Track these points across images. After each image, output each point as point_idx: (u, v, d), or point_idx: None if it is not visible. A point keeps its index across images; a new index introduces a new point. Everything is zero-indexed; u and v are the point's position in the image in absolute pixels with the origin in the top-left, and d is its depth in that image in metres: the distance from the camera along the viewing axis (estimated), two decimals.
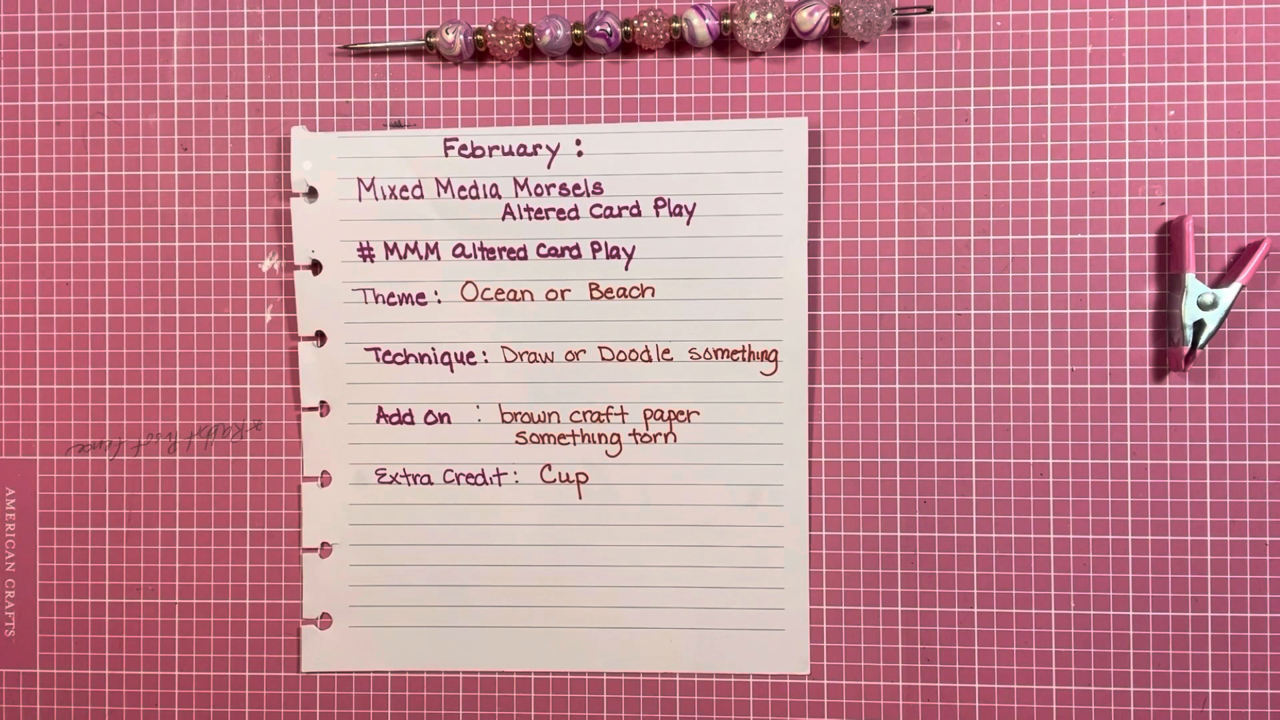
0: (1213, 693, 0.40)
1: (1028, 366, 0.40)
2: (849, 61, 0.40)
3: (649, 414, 0.41)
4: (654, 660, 0.41)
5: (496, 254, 0.41)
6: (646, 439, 0.41)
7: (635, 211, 0.40)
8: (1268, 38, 0.39)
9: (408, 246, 0.41)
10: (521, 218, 0.41)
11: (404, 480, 0.41)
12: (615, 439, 0.41)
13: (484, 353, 0.41)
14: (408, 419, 0.41)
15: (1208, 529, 0.40)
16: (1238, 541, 0.40)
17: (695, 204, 0.40)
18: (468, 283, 0.41)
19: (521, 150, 0.40)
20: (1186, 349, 0.38)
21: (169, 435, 0.42)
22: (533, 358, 0.41)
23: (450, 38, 0.40)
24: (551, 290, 0.41)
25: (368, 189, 0.41)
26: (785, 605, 0.40)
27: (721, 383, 0.40)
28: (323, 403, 0.41)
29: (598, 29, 0.39)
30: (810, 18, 0.39)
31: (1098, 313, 0.40)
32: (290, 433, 0.41)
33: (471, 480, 0.41)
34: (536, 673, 0.41)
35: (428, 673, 0.41)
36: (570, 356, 0.41)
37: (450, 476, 0.41)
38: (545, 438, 0.41)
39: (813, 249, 0.40)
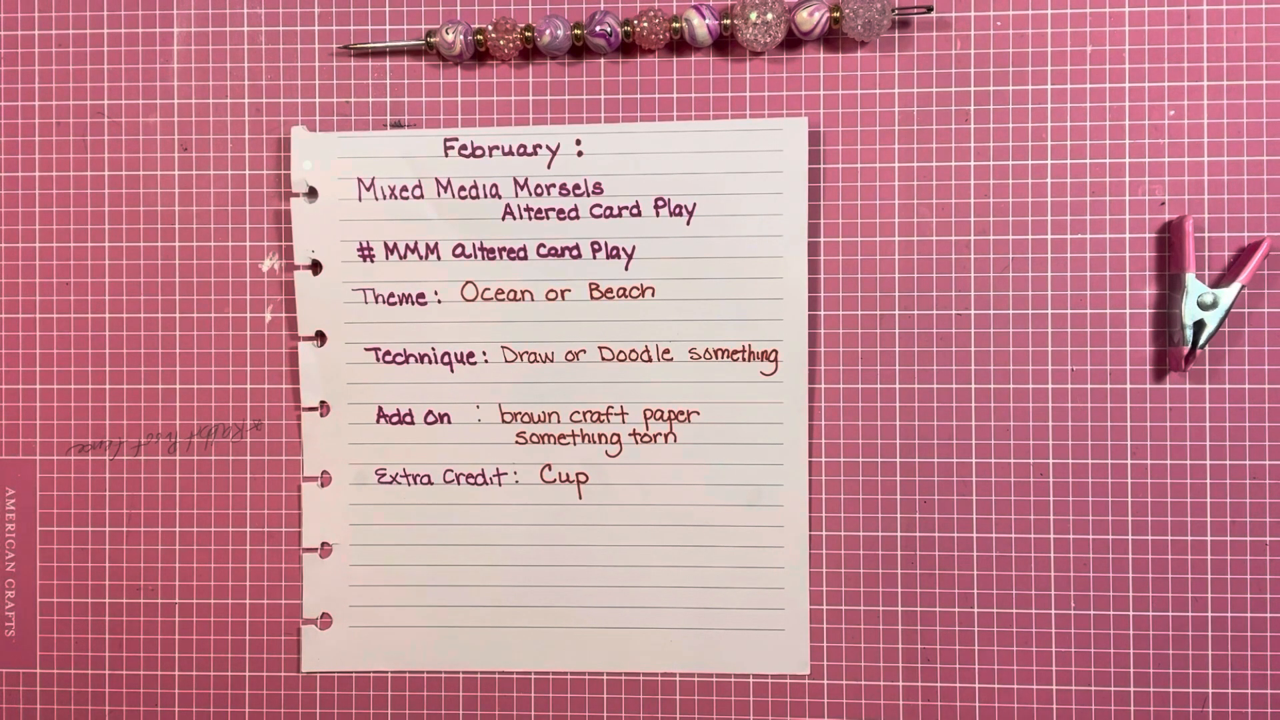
0: (1213, 693, 0.40)
1: (1028, 366, 0.40)
2: (849, 61, 0.40)
3: (649, 414, 0.41)
4: (654, 660, 0.41)
5: (496, 254, 0.41)
6: (646, 439, 0.41)
7: (635, 211, 0.40)
8: (1268, 38, 0.39)
9: (408, 246, 0.41)
10: (521, 218, 0.41)
11: (404, 480, 0.41)
12: (615, 439, 0.41)
13: (484, 353, 0.41)
14: (408, 419, 0.41)
15: (1208, 529, 0.40)
16: (1238, 541, 0.40)
17: (695, 204, 0.40)
18: (468, 283, 0.41)
19: (521, 150, 0.40)
20: (1186, 349, 0.38)
21: (169, 435, 0.42)
22: (533, 358, 0.41)
23: (450, 38, 0.40)
24: (551, 290, 0.41)
25: (368, 189, 0.41)
26: (785, 605, 0.40)
27: (721, 383, 0.40)
28: (323, 403, 0.41)
29: (598, 29, 0.39)
30: (810, 18, 0.39)
31: (1098, 313, 0.40)
32: (290, 433, 0.41)
33: (471, 480, 0.41)
34: (536, 673, 0.41)
35: (428, 673, 0.41)
36: (570, 356, 0.41)
37: (450, 476, 0.41)
38: (545, 438, 0.41)
39: (813, 249, 0.40)
